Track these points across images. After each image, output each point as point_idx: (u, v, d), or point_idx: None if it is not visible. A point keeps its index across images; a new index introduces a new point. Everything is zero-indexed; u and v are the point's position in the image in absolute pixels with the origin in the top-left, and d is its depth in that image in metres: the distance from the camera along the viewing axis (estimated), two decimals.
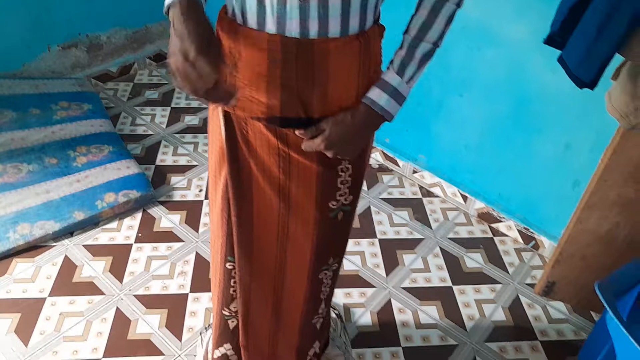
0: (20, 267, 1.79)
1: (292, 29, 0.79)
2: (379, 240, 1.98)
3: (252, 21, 0.82)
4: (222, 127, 0.94)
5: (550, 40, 1.12)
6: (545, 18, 1.24)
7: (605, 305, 1.05)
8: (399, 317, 1.70)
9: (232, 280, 1.17)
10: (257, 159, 0.95)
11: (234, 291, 1.18)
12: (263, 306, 1.17)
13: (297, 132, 0.89)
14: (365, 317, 1.70)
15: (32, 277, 1.76)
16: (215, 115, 0.98)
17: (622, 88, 1.12)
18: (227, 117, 0.94)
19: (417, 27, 0.86)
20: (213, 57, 0.72)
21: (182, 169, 2.25)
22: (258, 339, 1.23)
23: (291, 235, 1.03)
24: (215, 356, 1.36)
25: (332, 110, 0.88)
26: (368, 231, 2.01)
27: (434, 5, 0.85)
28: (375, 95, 0.88)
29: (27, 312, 1.65)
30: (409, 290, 1.79)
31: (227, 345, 1.32)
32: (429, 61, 0.89)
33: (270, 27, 0.80)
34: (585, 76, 1.02)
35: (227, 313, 1.25)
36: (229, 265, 1.15)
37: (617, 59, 1.08)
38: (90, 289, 1.73)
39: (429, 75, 1.97)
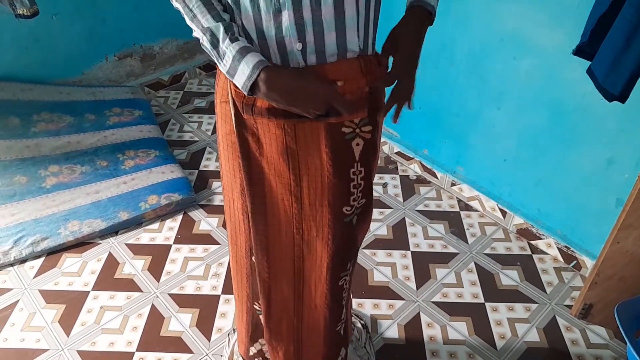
0: (69, 261, 1.91)
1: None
2: (412, 252, 1.96)
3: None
4: (234, 126, 0.97)
5: (579, 51, 1.09)
6: (582, 26, 1.20)
7: (621, 330, 0.99)
8: (426, 332, 1.68)
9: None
10: (268, 158, 0.97)
11: None
12: (284, 304, 1.18)
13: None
14: (392, 330, 1.68)
15: (79, 271, 1.87)
16: (225, 114, 1.00)
17: None
18: (237, 116, 0.96)
19: None
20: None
21: None
22: (282, 338, 1.24)
23: (306, 239, 1.04)
24: (251, 353, 1.38)
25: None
26: (401, 243, 1.99)
27: None
28: None
29: (71, 304, 1.76)
30: (439, 304, 1.76)
31: (262, 341, 1.35)
32: None
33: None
34: (614, 88, 0.97)
35: (257, 308, 1.27)
36: (254, 259, 1.16)
37: None
38: (129, 285, 1.82)
39: (466, 87, 1.95)
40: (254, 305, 1.27)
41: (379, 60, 0.92)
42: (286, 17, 0.81)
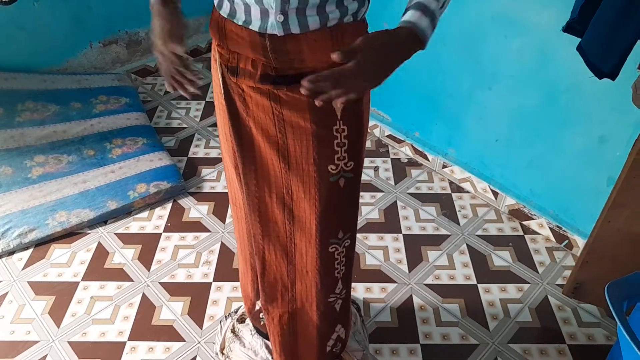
0: (58, 252, 1.89)
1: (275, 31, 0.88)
2: (404, 235, 1.95)
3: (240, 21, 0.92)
4: (221, 89, 1.01)
5: (569, 28, 1.06)
6: (572, 3, 1.17)
7: (611, 309, 0.98)
8: (419, 314, 1.68)
9: None
10: (255, 118, 0.99)
11: None
12: (277, 267, 1.18)
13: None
14: (384, 313, 1.68)
15: (68, 262, 1.85)
16: (215, 75, 1.04)
17: None
18: (224, 80, 1.00)
19: None
20: (175, 45, 0.94)
21: (212, 162, 2.30)
22: (276, 303, 1.24)
23: (295, 200, 1.05)
24: (257, 308, 1.39)
25: (322, 66, 0.85)
26: (393, 226, 1.98)
27: None
28: (417, 17, 0.81)
29: (61, 295, 1.74)
30: (431, 287, 1.76)
31: None
32: None
33: (255, 28, 0.89)
34: (605, 66, 0.95)
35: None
36: (248, 220, 1.18)
37: None
38: (119, 275, 1.81)
39: (458, 68, 1.92)
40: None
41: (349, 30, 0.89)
42: None
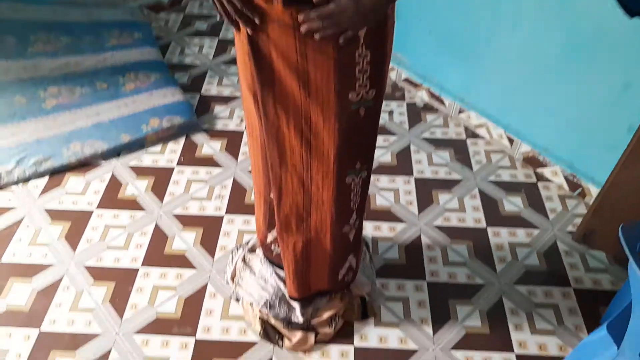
0: (72, 181, 1.92)
1: None
2: (415, 179, 1.94)
3: None
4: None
5: None
6: None
7: (624, 246, 0.98)
8: (427, 253, 1.69)
9: None
10: (276, 43, 0.96)
11: None
12: (294, 197, 1.19)
13: None
14: (392, 251, 1.70)
15: (82, 191, 1.88)
16: None
17: None
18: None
19: None
20: None
21: (225, 100, 2.28)
22: (291, 231, 1.26)
23: (314, 127, 1.04)
24: (268, 240, 1.42)
25: None
26: (405, 169, 1.98)
27: None
28: None
29: (77, 222, 1.77)
30: (440, 228, 1.77)
31: None
32: None
33: None
34: (636, 4, 0.90)
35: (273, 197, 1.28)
36: (266, 149, 1.18)
37: None
38: (133, 205, 1.83)
39: (479, 8, 1.85)
40: (270, 195, 1.28)
41: None
42: None
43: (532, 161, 1.97)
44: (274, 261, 1.45)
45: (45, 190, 1.88)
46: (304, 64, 0.96)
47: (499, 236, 1.75)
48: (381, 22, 0.95)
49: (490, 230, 1.77)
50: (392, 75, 2.36)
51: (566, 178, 1.89)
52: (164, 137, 2.08)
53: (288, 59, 0.97)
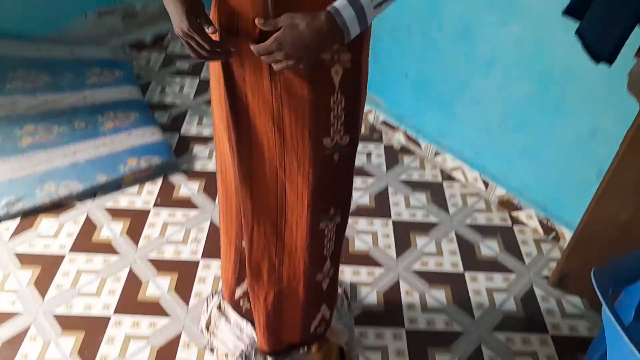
0: (45, 223, 1.87)
1: None
2: (393, 221, 1.95)
3: None
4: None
5: (570, 12, 1.05)
6: None
7: (597, 291, 0.99)
8: (405, 299, 1.69)
9: None
10: (251, 85, 0.97)
11: None
12: (266, 244, 1.17)
13: (256, 21, 0.87)
14: (371, 296, 1.69)
15: (55, 233, 1.84)
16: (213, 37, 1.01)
17: None
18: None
19: None
20: (204, 24, 0.87)
21: (205, 140, 2.28)
22: (262, 282, 1.24)
23: (288, 173, 1.04)
24: (236, 296, 1.38)
25: None
26: (383, 212, 1.99)
27: None
28: (342, 6, 0.85)
29: (47, 266, 1.73)
30: (418, 273, 1.77)
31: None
32: None
33: None
34: (603, 50, 0.95)
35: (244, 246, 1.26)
36: (239, 194, 1.16)
37: None
38: (107, 248, 1.80)
39: (454, 54, 1.91)
40: (242, 244, 1.26)
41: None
42: None
43: (507, 204, 2.01)
44: (246, 317, 1.41)
45: (16, 232, 1.83)
46: (279, 109, 0.98)
47: (476, 281, 1.76)
48: (355, 68, 0.97)
49: (467, 275, 1.77)
50: (370, 118, 2.40)
51: (540, 221, 1.92)
52: (141, 177, 2.06)
53: (264, 103, 0.98)
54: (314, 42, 0.85)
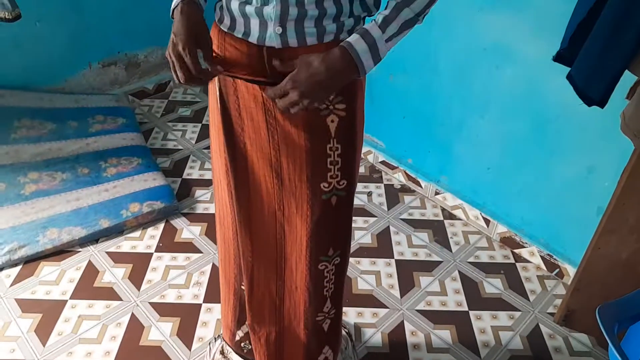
0: (47, 269, 1.87)
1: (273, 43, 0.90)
2: (396, 260, 1.95)
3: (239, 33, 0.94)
4: (218, 103, 1.01)
5: (559, 57, 1.10)
6: (562, 35, 1.22)
7: (603, 330, 0.99)
8: (410, 340, 1.67)
9: None
10: (249, 134, 1.00)
11: None
12: (266, 285, 1.17)
13: (273, 63, 0.89)
14: (375, 338, 1.67)
15: (57, 280, 1.83)
16: (213, 93, 1.04)
17: (636, 107, 1.08)
18: (221, 93, 1.00)
19: None
20: (203, 49, 0.89)
21: (207, 183, 2.31)
22: (264, 322, 1.23)
23: (287, 216, 1.06)
24: (237, 338, 1.37)
25: None
26: (385, 251, 1.99)
27: None
28: (354, 40, 0.87)
29: (48, 313, 1.71)
30: (423, 312, 1.75)
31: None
32: (408, 31, 0.89)
33: (253, 40, 0.92)
34: (594, 94, 0.99)
35: (244, 288, 1.25)
36: (238, 238, 1.17)
37: (632, 77, 1.05)
38: (109, 294, 1.79)
39: (450, 96, 1.97)
40: (242, 286, 1.26)
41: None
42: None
43: (509, 242, 2.01)
44: (247, 358, 1.40)
45: (18, 279, 1.82)
46: (277, 156, 1.00)
47: (481, 320, 1.74)
48: (351, 116, 1.00)
49: (472, 314, 1.76)
50: (370, 158, 2.44)
51: (543, 258, 1.92)
52: (143, 222, 2.07)
53: (262, 150, 1.01)
54: (329, 79, 0.86)
